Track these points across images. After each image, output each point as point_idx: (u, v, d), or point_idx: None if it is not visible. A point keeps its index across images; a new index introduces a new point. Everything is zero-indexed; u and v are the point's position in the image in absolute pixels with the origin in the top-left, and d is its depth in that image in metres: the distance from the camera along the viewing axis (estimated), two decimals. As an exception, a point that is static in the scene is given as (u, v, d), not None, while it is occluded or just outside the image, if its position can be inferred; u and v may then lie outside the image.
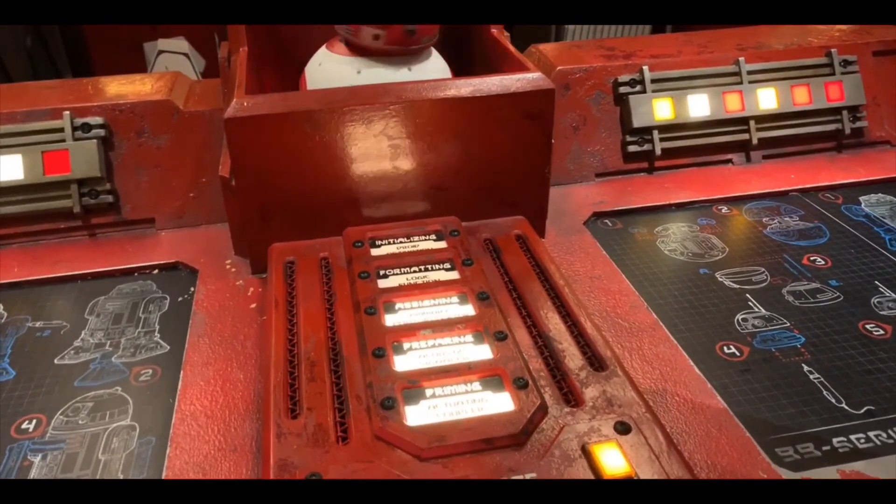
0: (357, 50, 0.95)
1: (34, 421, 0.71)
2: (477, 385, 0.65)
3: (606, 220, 1.05)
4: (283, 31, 1.12)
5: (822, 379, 0.73)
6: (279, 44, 1.12)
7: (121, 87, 1.09)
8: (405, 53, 0.95)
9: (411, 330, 0.72)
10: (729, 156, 1.19)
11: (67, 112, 1.00)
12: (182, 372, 0.77)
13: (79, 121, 1.00)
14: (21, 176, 0.98)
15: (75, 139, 0.99)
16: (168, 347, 0.81)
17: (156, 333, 0.83)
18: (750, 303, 0.86)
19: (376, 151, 0.88)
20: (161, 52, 2.81)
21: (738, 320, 0.83)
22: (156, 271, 0.95)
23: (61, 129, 0.99)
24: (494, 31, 1.07)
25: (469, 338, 0.71)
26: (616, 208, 1.06)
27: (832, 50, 1.20)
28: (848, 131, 1.20)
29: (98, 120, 1.01)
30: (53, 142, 0.99)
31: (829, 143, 1.22)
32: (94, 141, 1.00)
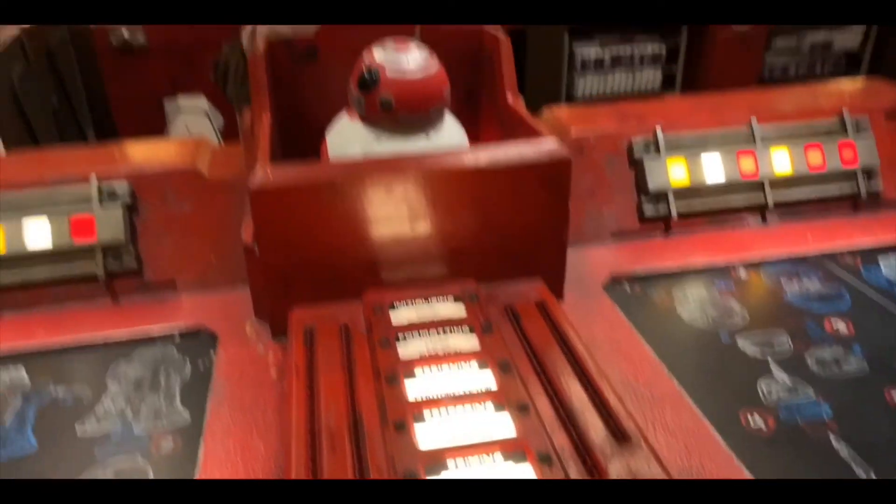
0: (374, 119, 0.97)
1: (54, 493, 0.70)
2: (500, 459, 0.64)
3: (624, 283, 1.05)
4: (304, 96, 1.15)
5: (851, 453, 0.72)
6: (299, 108, 1.15)
7: (147, 153, 1.12)
8: (417, 124, 0.97)
9: (432, 401, 0.71)
10: (745, 218, 1.19)
11: (94, 178, 1.02)
12: (202, 441, 0.76)
13: (105, 187, 1.02)
14: (48, 241, 1.00)
15: (101, 205, 1.02)
16: (188, 415, 0.81)
17: (176, 400, 0.84)
18: (773, 370, 0.85)
19: (396, 218, 0.89)
20: (181, 110, 2.88)
21: (761, 388, 0.82)
22: (177, 336, 0.96)
23: (88, 196, 1.02)
24: (510, 97, 1.10)
25: (491, 409, 0.71)
26: (633, 271, 1.07)
27: (844, 110, 1.21)
28: (863, 193, 1.20)
29: (124, 187, 1.03)
30: (80, 207, 1.01)
31: (845, 205, 1.22)
32: (120, 207, 1.02)
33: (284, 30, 1.94)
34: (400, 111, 0.94)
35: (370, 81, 0.93)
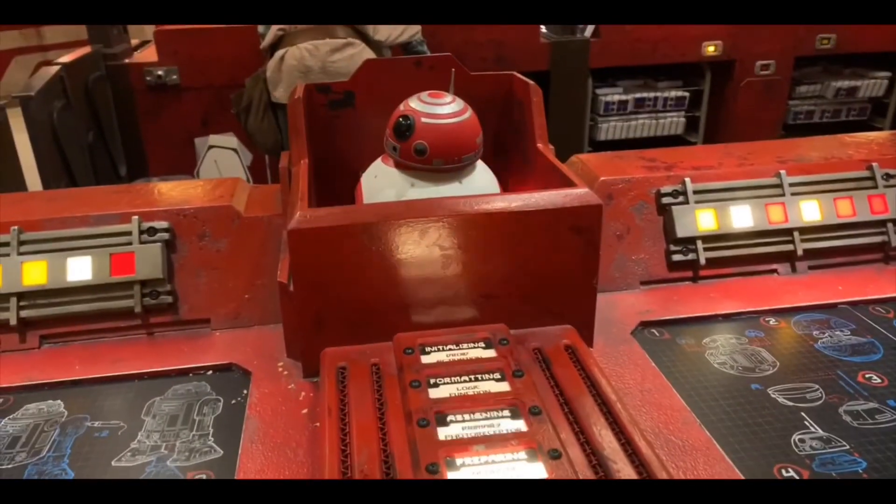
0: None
1: (90, 527, 0.71)
2: (533, 507, 0.64)
3: (654, 330, 1.05)
4: (339, 141, 1.18)
5: (888, 509, 0.71)
6: (335, 153, 1.18)
7: (185, 192, 1.15)
8: (450, 171, 0.99)
9: (464, 445, 0.72)
10: (774, 266, 1.19)
11: (136, 217, 1.05)
12: (235, 479, 0.77)
13: (146, 225, 1.06)
14: (89, 276, 1.03)
15: (142, 242, 1.05)
16: (222, 452, 0.82)
17: (210, 437, 0.85)
18: (806, 422, 0.84)
19: (429, 261, 0.91)
20: (211, 147, 2.96)
21: (794, 441, 0.81)
22: (210, 372, 0.98)
23: (129, 233, 1.05)
24: (540, 144, 1.12)
25: (523, 455, 0.71)
26: (663, 318, 1.07)
27: (874, 164, 1.22)
28: (895, 244, 1.20)
29: (163, 224, 1.06)
30: (121, 244, 1.04)
31: (876, 255, 1.22)
32: (159, 244, 1.05)
33: (311, 62, 1.99)
34: (434, 157, 0.97)
35: (405, 128, 0.96)
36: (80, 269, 1.03)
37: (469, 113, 0.99)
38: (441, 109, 0.97)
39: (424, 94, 0.99)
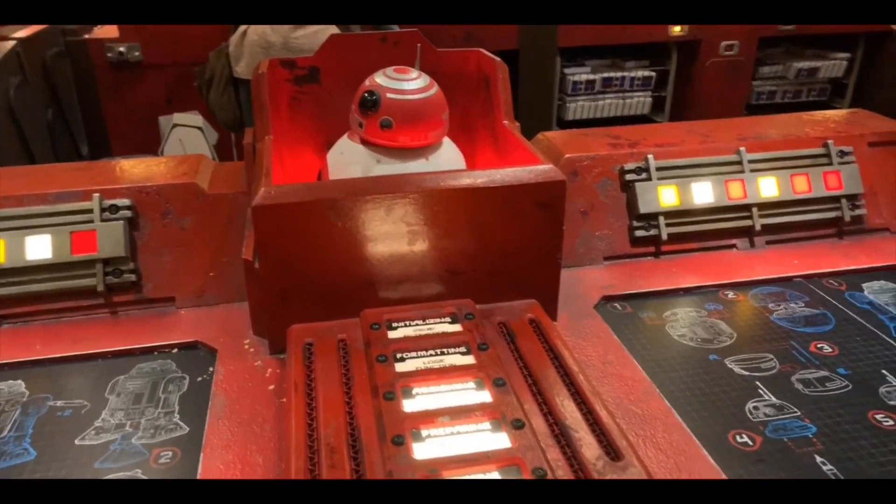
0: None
1: (54, 504, 0.71)
2: (496, 475, 0.66)
3: (616, 304, 1.07)
4: (305, 118, 1.17)
5: (835, 471, 0.74)
6: (301, 130, 1.17)
7: (147, 170, 1.13)
8: (416, 148, 0.99)
9: (430, 417, 0.73)
10: (733, 241, 1.22)
11: (97, 194, 1.04)
12: (202, 455, 0.77)
13: (107, 202, 1.04)
14: (49, 255, 1.01)
15: (103, 220, 1.03)
16: (188, 429, 0.82)
17: (175, 414, 0.85)
18: (760, 390, 0.87)
19: (395, 237, 0.91)
20: (175, 125, 2.90)
21: (749, 408, 0.84)
22: (175, 350, 0.97)
23: (90, 211, 1.03)
24: (506, 122, 1.12)
25: (487, 425, 0.72)
26: (625, 292, 1.09)
27: (829, 141, 1.25)
28: (847, 219, 1.24)
29: (125, 202, 1.05)
30: (82, 222, 1.03)
31: (830, 230, 1.25)
32: (121, 222, 1.04)
33: (273, 38, 1.96)
34: (399, 132, 0.97)
35: (371, 103, 0.96)
36: (39, 247, 1.01)
37: (435, 89, 0.99)
38: (407, 85, 0.97)
39: (390, 70, 0.99)
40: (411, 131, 0.98)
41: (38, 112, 2.52)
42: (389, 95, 0.96)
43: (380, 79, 0.98)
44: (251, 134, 1.11)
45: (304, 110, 1.17)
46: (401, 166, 0.99)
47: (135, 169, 1.15)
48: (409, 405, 0.75)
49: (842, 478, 0.73)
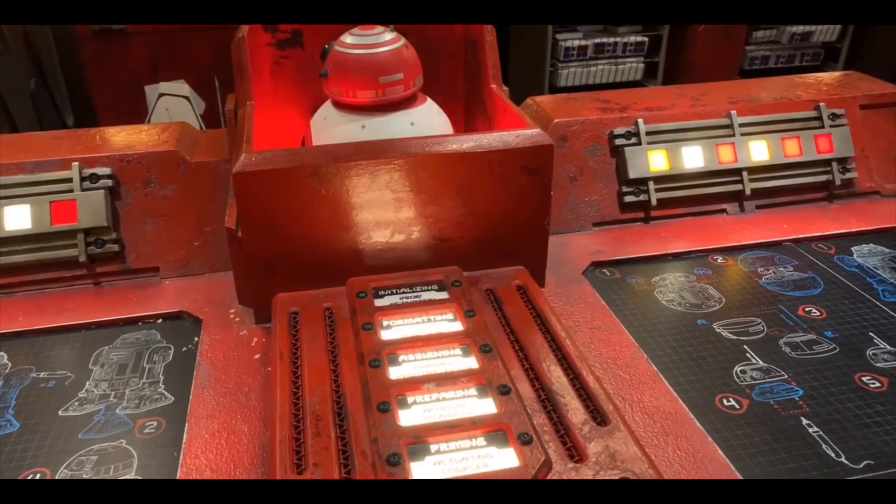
0: (359, 105, 0.98)
1: (38, 475, 0.71)
2: (482, 440, 0.66)
3: (605, 270, 1.06)
4: (288, 83, 1.15)
5: (820, 433, 0.74)
6: (284, 95, 1.15)
7: (128, 138, 1.11)
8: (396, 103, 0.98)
9: (415, 383, 0.72)
10: (723, 206, 1.21)
11: (76, 163, 1.02)
12: (186, 424, 0.77)
13: (87, 171, 1.02)
14: (28, 225, 0.99)
15: (83, 189, 1.01)
16: (172, 399, 0.81)
17: (160, 384, 0.84)
18: (748, 354, 0.87)
19: (380, 204, 0.90)
20: (162, 94, 2.85)
21: (736, 372, 0.84)
22: (160, 321, 0.96)
23: (70, 180, 1.01)
24: (493, 86, 1.10)
25: (473, 391, 0.72)
26: (614, 258, 1.08)
27: (821, 104, 1.24)
28: (838, 182, 1.23)
29: (106, 170, 1.03)
30: (62, 192, 1.01)
31: (820, 194, 1.25)
32: (102, 191, 1.02)
33: None
34: (332, 83, 0.97)
35: (323, 53, 0.98)
36: (18, 217, 0.99)
37: (387, 49, 0.96)
38: (360, 40, 0.96)
39: (358, 28, 0.98)
40: (341, 84, 0.97)
41: (20, 81, 2.48)
42: (336, 48, 0.97)
43: (347, 34, 0.98)
44: (233, 100, 1.09)
45: (288, 75, 1.14)
46: (385, 131, 0.97)
47: (115, 137, 1.12)
48: (394, 372, 0.75)
49: (825, 438, 0.73)
